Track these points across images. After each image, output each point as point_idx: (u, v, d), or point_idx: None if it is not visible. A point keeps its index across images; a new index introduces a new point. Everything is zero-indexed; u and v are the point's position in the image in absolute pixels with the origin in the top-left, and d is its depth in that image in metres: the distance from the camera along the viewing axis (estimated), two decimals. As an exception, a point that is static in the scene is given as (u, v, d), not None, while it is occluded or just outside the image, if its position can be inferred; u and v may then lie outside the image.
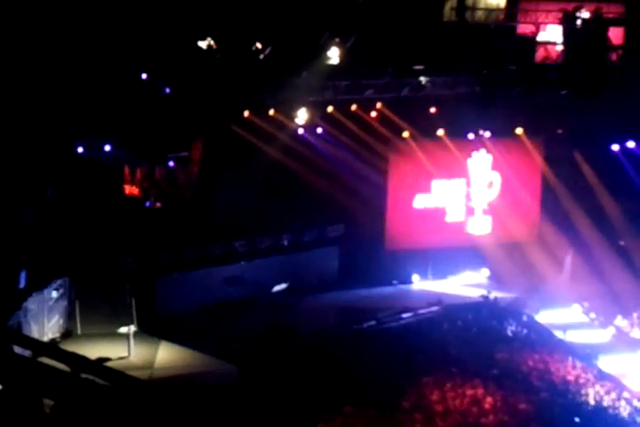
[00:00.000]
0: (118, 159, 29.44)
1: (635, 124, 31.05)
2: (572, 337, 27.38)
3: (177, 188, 31.10)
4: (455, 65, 32.37)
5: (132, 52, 28.05)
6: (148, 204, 29.96)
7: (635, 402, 22.74)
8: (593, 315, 29.00)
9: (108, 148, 28.91)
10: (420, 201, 32.36)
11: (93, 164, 28.36)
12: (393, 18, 31.98)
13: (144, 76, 29.13)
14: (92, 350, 22.85)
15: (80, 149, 28.46)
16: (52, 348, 19.20)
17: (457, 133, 32.17)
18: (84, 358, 15.55)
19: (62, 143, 27.72)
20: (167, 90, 29.54)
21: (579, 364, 24.98)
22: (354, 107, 31.69)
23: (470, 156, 32.60)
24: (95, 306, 25.53)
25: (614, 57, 33.84)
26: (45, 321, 24.61)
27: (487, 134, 32.37)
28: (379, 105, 32.00)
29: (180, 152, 30.96)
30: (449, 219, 32.93)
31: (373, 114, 31.97)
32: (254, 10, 30.30)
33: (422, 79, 32.40)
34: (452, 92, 32.65)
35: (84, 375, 14.38)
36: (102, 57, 27.56)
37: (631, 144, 32.38)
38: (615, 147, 32.52)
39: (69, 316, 25.65)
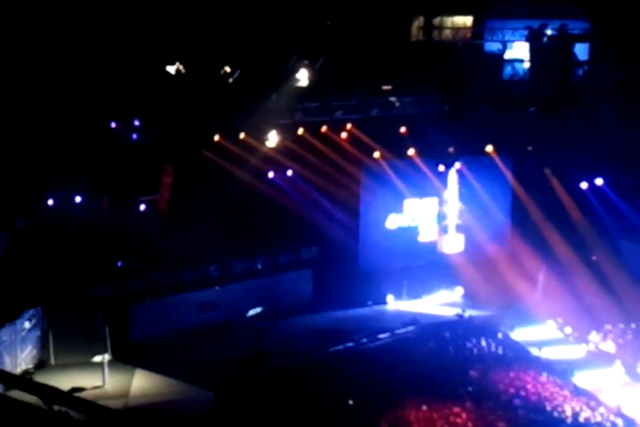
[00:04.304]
0: (89, 213, 29.24)
1: (601, 143, 31.18)
2: (547, 354, 27.40)
3: (150, 247, 30.25)
4: (423, 84, 32.47)
5: (100, 95, 28.16)
6: (119, 264, 29.45)
7: (611, 417, 22.77)
8: (568, 331, 29.05)
9: (78, 199, 28.86)
10: (393, 221, 32.44)
11: (63, 221, 28.23)
12: (360, 39, 32.09)
13: (113, 124, 29.33)
14: (67, 380, 22.73)
15: (50, 202, 28.46)
16: (22, 380, 19.01)
17: (427, 152, 32.29)
18: (56, 390, 15.34)
19: (33, 193, 27.87)
20: (134, 136, 29.66)
21: (555, 380, 25.05)
22: (324, 128, 31.76)
23: (441, 174, 32.76)
24: (68, 335, 25.37)
25: (580, 73, 34.10)
26: (18, 352, 24.43)
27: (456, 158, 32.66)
28: (349, 126, 32.10)
29: (152, 195, 30.75)
30: (422, 238, 33.03)
31: (344, 135, 32.04)
32: (222, 34, 30.35)
33: (391, 99, 32.49)
34: (421, 111, 32.73)
35: (56, 408, 14.20)
36: (71, 106, 27.73)
37: (599, 181, 32.62)
38: (584, 185, 32.79)
39: (43, 346, 25.47)
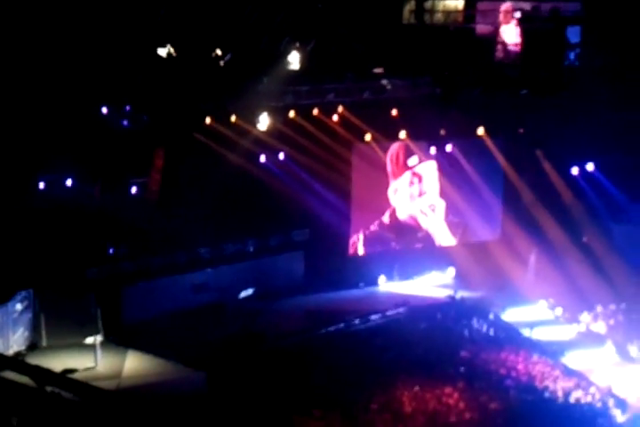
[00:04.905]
0: (82, 194, 29.17)
1: (593, 126, 31.21)
2: (538, 334, 27.59)
3: (141, 233, 29.73)
4: (415, 67, 32.43)
5: (91, 78, 28.06)
6: (111, 250, 29.46)
7: (602, 397, 22.92)
8: (559, 311, 29.21)
9: (69, 182, 28.80)
10: (385, 204, 32.50)
11: (54, 204, 28.16)
12: (352, 21, 32.00)
13: (104, 110, 29.24)
14: (59, 362, 22.72)
15: (41, 185, 28.41)
16: (15, 362, 19.05)
17: (419, 135, 32.35)
18: (48, 371, 15.40)
19: (24, 176, 27.81)
20: (125, 123, 29.60)
21: (546, 361, 25.20)
22: (315, 111, 31.68)
23: (433, 157, 32.84)
24: (60, 317, 25.36)
25: (572, 56, 34.08)
26: (10, 334, 24.46)
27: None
28: (340, 109, 31.98)
29: (144, 177, 30.71)
30: (414, 221, 33.12)
31: (335, 118, 31.99)
32: (214, 16, 30.23)
33: (383, 82, 32.45)
34: (413, 94, 32.68)
35: (49, 389, 14.25)
36: (60, 90, 27.62)
37: (590, 167, 32.68)
38: (575, 170, 32.84)
39: (34, 328, 25.45)
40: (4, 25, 27.24)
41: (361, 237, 32.28)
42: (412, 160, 32.56)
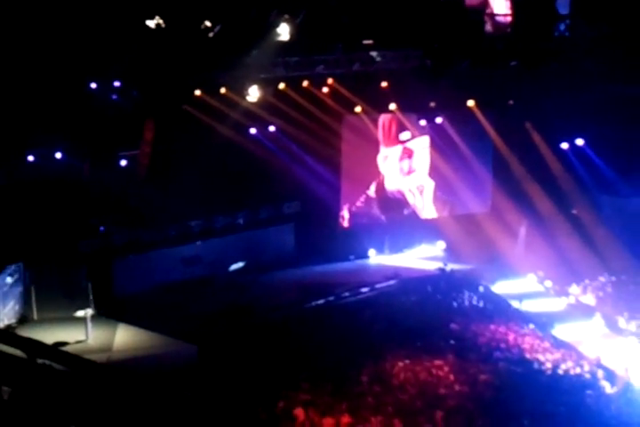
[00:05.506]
0: (71, 168, 28.99)
1: (582, 98, 31.15)
2: (528, 306, 27.68)
3: (132, 209, 29.85)
4: (405, 39, 32.25)
5: (79, 51, 27.83)
6: (102, 229, 29.31)
7: (591, 369, 23.02)
8: (548, 284, 29.31)
9: (59, 155, 28.63)
10: (374, 176, 32.46)
11: (44, 177, 27.98)
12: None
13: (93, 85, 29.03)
14: (50, 335, 22.76)
15: (31, 158, 28.24)
16: (6, 334, 19.07)
17: (409, 107, 32.27)
18: (39, 344, 15.41)
19: (12, 149, 27.64)
20: (114, 97, 29.40)
21: (535, 333, 25.28)
22: (305, 83, 31.57)
23: (423, 129, 32.78)
24: (51, 290, 25.42)
25: (562, 27, 33.92)
26: (1, 307, 24.47)
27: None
28: (330, 81, 31.87)
29: (133, 150, 30.57)
30: (402, 195, 33.12)
31: (325, 90, 31.88)
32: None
33: (373, 54, 32.29)
34: (403, 65, 32.55)
35: (40, 361, 14.27)
36: (49, 64, 27.40)
37: (580, 142, 32.66)
38: (564, 145, 32.83)
39: (25, 301, 25.48)
40: None
41: (346, 214, 32.26)
42: (405, 135, 32.51)
